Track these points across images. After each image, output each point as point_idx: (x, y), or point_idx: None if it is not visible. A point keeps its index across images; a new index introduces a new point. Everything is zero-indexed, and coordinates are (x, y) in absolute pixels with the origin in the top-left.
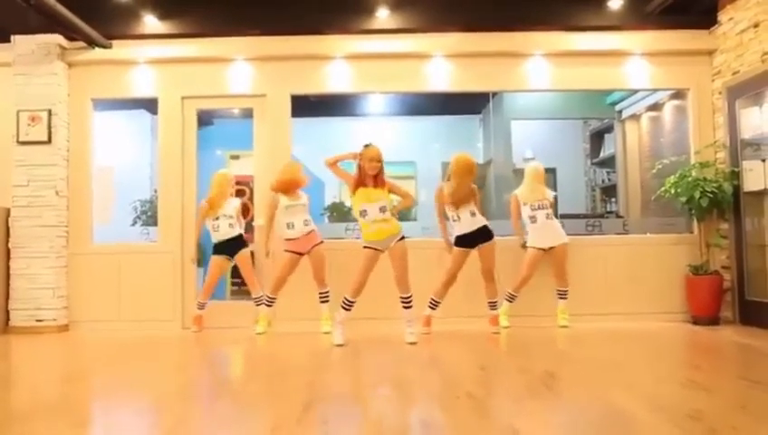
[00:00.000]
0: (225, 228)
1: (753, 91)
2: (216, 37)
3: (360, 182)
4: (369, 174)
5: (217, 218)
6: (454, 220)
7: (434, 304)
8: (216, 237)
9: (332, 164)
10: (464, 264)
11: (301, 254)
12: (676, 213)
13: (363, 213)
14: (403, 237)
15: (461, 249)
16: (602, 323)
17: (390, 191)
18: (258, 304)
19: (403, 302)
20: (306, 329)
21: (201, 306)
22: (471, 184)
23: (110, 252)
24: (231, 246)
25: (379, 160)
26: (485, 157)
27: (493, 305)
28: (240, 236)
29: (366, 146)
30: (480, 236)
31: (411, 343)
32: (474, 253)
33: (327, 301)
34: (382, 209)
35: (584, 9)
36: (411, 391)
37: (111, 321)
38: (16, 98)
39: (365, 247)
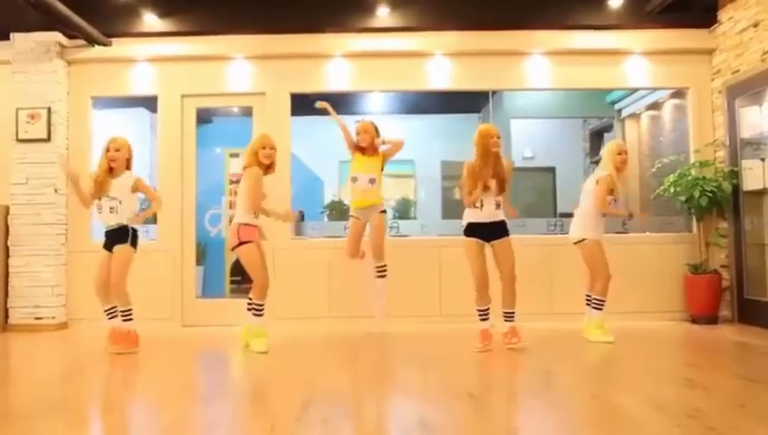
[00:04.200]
0: (107, 213)
1: (753, 91)
2: (216, 35)
3: (357, 148)
4: (363, 145)
5: (100, 199)
6: (475, 206)
7: (483, 315)
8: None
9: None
10: (483, 258)
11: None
12: (676, 212)
13: (354, 179)
14: (384, 211)
15: (472, 239)
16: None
17: (385, 157)
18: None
19: (377, 271)
20: (305, 328)
21: (110, 314)
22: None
23: None
24: (111, 238)
25: (367, 132)
26: None
27: (509, 316)
28: (124, 227)
29: (357, 121)
30: (496, 231)
31: (379, 332)
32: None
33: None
34: (371, 181)
35: (584, 8)
36: (411, 390)
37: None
38: (15, 96)
39: (351, 216)
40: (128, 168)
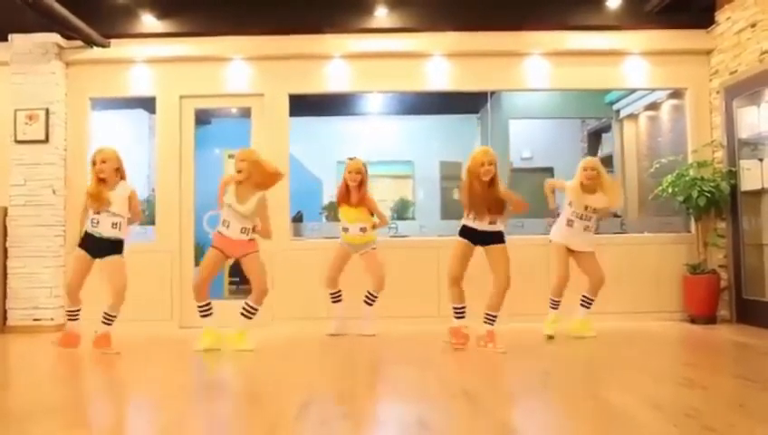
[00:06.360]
0: (107, 227)
1: (751, 91)
2: (214, 36)
3: (344, 198)
4: (352, 185)
5: (98, 213)
6: (468, 217)
7: (457, 313)
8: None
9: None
10: (465, 258)
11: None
12: (674, 212)
13: (345, 229)
14: (374, 248)
15: (462, 239)
16: (600, 322)
17: (370, 210)
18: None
19: (369, 297)
20: (304, 328)
21: (74, 316)
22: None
23: None
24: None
25: (359, 172)
26: None
27: (490, 319)
28: (121, 241)
29: (350, 159)
30: (490, 238)
31: (369, 335)
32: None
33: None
34: (362, 230)
35: (582, 8)
36: (408, 390)
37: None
38: (14, 97)
39: (340, 244)
40: (122, 177)
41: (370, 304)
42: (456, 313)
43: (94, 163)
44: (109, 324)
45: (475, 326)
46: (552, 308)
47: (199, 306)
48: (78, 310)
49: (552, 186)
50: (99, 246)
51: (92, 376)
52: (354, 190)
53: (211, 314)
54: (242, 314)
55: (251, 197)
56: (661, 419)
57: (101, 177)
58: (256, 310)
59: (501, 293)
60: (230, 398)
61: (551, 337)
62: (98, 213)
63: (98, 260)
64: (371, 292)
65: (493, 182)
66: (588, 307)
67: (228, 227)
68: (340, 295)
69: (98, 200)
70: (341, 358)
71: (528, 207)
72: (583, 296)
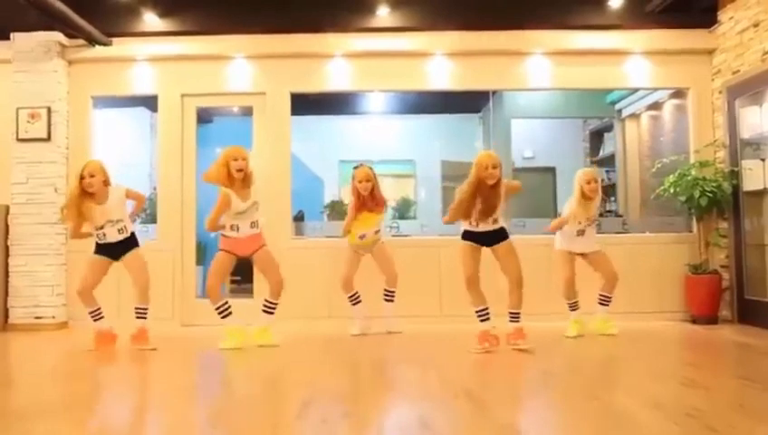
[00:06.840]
0: (115, 234)
1: (753, 91)
2: (216, 35)
3: (361, 206)
4: (364, 194)
5: (101, 227)
6: (471, 224)
7: (480, 315)
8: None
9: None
10: (475, 258)
11: (238, 256)
12: (676, 212)
13: (362, 236)
14: (382, 242)
15: (467, 243)
16: None
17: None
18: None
19: (388, 295)
20: (305, 327)
21: (97, 316)
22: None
23: None
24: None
25: (369, 179)
26: None
27: (514, 317)
28: (132, 235)
29: (356, 167)
30: (494, 237)
31: (396, 332)
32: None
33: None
34: (377, 232)
35: (585, 8)
36: (410, 390)
37: (110, 319)
38: (16, 95)
39: (354, 251)
40: (106, 184)
41: (391, 301)
42: (480, 315)
43: (82, 178)
44: (143, 318)
45: (478, 326)
46: (572, 310)
47: (216, 308)
48: (98, 309)
49: (559, 224)
50: (115, 250)
51: (93, 375)
52: (368, 198)
53: (230, 313)
54: (264, 310)
55: (249, 189)
56: (662, 418)
57: (91, 191)
58: (276, 304)
59: (517, 288)
60: (231, 396)
61: (573, 337)
62: (101, 228)
63: (120, 261)
64: (387, 288)
65: (497, 185)
66: (606, 305)
67: (238, 230)
68: (358, 297)
69: (91, 215)
70: (343, 357)
71: (520, 187)
72: (600, 295)
